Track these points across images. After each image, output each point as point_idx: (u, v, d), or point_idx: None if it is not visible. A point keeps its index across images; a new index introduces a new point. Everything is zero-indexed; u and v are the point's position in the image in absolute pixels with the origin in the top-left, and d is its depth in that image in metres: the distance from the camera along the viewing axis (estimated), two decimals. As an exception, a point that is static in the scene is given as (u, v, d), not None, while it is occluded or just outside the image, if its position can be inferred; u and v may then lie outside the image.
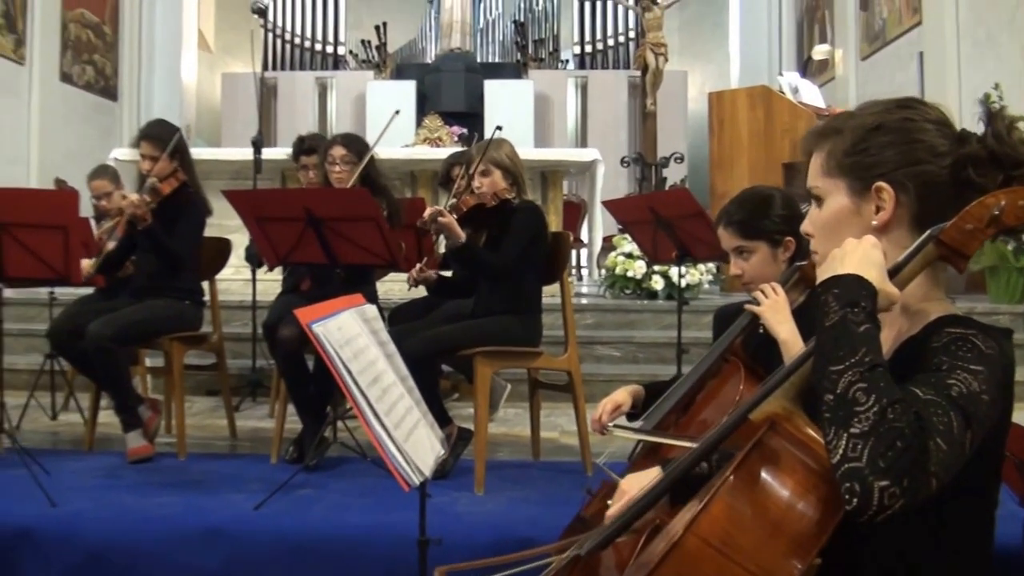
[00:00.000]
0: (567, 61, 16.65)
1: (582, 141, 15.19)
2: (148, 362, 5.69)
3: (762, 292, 2.47)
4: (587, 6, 16.01)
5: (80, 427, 5.12)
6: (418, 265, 4.32)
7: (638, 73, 11.75)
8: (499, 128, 4.35)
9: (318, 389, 4.35)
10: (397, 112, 5.00)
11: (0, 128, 11.02)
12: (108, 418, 4.75)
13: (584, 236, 10.03)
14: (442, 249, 4.57)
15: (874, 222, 1.63)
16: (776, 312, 2.41)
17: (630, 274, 7.52)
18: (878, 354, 1.38)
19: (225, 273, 5.36)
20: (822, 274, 1.52)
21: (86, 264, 4.45)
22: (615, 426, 2.65)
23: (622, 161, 11.33)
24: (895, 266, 1.53)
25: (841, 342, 1.39)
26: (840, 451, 1.31)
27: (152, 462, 4.40)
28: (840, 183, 1.67)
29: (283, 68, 16.37)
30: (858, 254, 1.49)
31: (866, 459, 1.28)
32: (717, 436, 1.64)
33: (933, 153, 1.61)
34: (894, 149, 1.62)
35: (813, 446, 1.45)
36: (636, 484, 1.86)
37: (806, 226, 1.76)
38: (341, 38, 16.69)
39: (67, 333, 4.47)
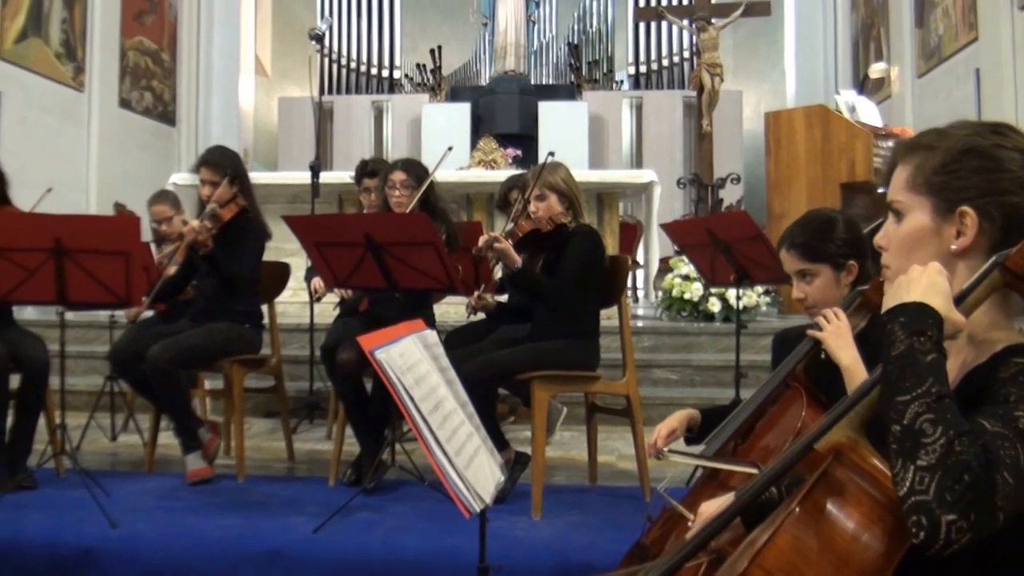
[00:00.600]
0: (622, 82, 16.64)
1: (637, 162, 15.17)
2: (208, 384, 5.75)
3: (824, 318, 2.44)
4: (641, 27, 15.99)
5: (140, 448, 5.17)
6: (476, 293, 4.34)
7: (693, 93, 11.72)
8: (551, 155, 4.34)
9: (376, 411, 4.36)
10: (450, 149, 5.02)
11: (60, 154, 11.21)
12: (168, 439, 4.79)
13: (640, 257, 9.99)
14: (499, 274, 4.58)
15: (953, 246, 1.59)
16: (838, 338, 2.38)
17: (687, 296, 7.46)
18: (945, 384, 1.36)
19: (283, 296, 5.40)
20: (887, 301, 1.50)
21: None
22: (671, 451, 2.63)
23: (678, 182, 11.29)
24: (961, 293, 1.50)
25: (908, 372, 1.37)
26: (907, 484, 1.29)
27: (211, 484, 4.44)
28: (925, 201, 1.63)
29: (339, 92, 16.53)
30: (924, 281, 1.47)
31: (933, 492, 1.26)
32: (782, 465, 1.62)
33: (1019, 185, 1.58)
34: (982, 176, 1.58)
35: (879, 477, 1.43)
36: (713, 508, 1.84)
37: (880, 239, 1.73)
38: (397, 62, 16.83)
39: (128, 356, 4.51)
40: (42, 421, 4.44)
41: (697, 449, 2.64)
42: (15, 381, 4.33)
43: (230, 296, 4.64)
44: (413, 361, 2.46)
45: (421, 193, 4.64)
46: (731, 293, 7.11)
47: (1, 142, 10.03)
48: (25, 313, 5.88)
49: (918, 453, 1.29)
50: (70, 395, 4.70)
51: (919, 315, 1.42)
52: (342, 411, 4.50)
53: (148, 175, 12.65)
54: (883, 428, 1.38)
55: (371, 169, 5.44)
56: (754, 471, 1.96)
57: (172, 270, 4.91)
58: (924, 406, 1.32)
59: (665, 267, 8.17)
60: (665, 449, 2.66)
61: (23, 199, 4.70)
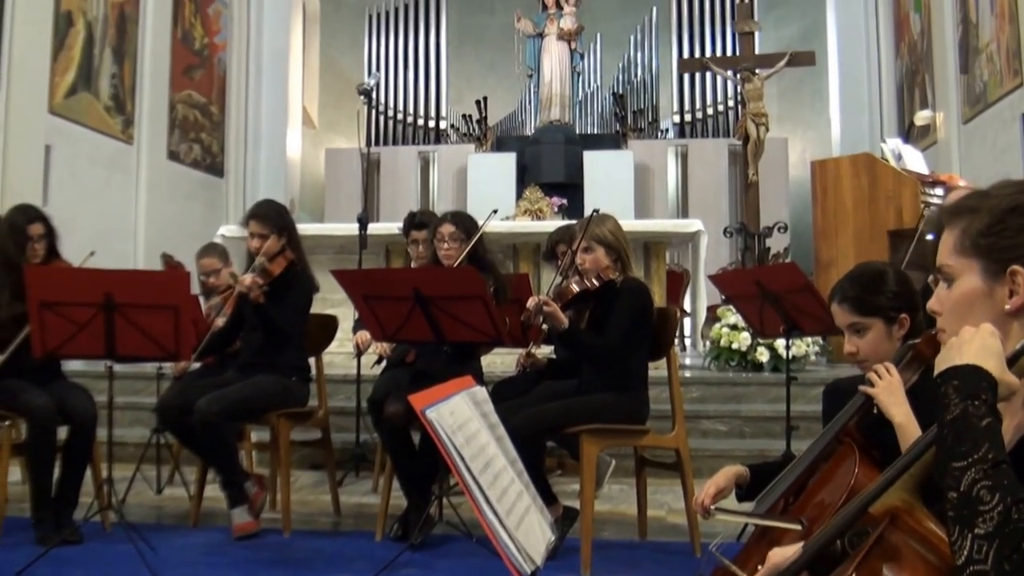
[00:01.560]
0: (667, 130, 16.66)
1: (683, 210, 15.14)
2: (254, 437, 5.75)
3: (876, 373, 2.41)
4: (686, 76, 16.04)
5: (185, 502, 5.18)
6: (526, 351, 4.32)
7: (738, 141, 11.69)
8: (596, 211, 4.32)
9: (424, 466, 4.34)
10: (495, 211, 5.03)
11: (109, 205, 11.37)
12: (213, 492, 4.78)
13: (687, 306, 9.94)
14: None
15: (1007, 306, 1.57)
16: (891, 394, 2.36)
17: (735, 346, 7.41)
18: (1001, 449, 1.34)
19: (330, 346, 5.40)
20: (940, 363, 1.48)
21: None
22: (718, 509, 2.59)
23: (725, 231, 11.24)
24: (1014, 354, 1.48)
25: (963, 437, 1.35)
26: (965, 553, 1.27)
27: (257, 539, 4.43)
28: (974, 263, 1.61)
29: (386, 143, 16.68)
30: (976, 343, 1.45)
31: (992, 562, 1.25)
32: (836, 529, 1.61)
33: None
34: None
35: (935, 541, 1.42)
36: (779, 557, 1.82)
37: (933, 304, 1.71)
38: (443, 112, 16.98)
39: (175, 408, 4.52)
40: (88, 474, 4.47)
41: (749, 506, 2.61)
42: (62, 433, 4.37)
43: (277, 349, 4.65)
44: (463, 419, 2.45)
45: (470, 247, 4.65)
46: (780, 343, 7.04)
47: (50, 194, 10.18)
48: (73, 364, 5.92)
49: (975, 521, 1.28)
50: (117, 447, 4.71)
51: (972, 378, 1.40)
52: (389, 464, 4.48)
53: (196, 226, 12.80)
54: (941, 495, 1.36)
55: (419, 221, 5.45)
56: (798, 527, 1.94)
57: (220, 322, 4.95)
58: (981, 472, 1.30)
59: (713, 316, 8.12)
60: (712, 507, 2.62)
61: (72, 250, 4.75)
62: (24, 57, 9.91)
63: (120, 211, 11.62)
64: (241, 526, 4.42)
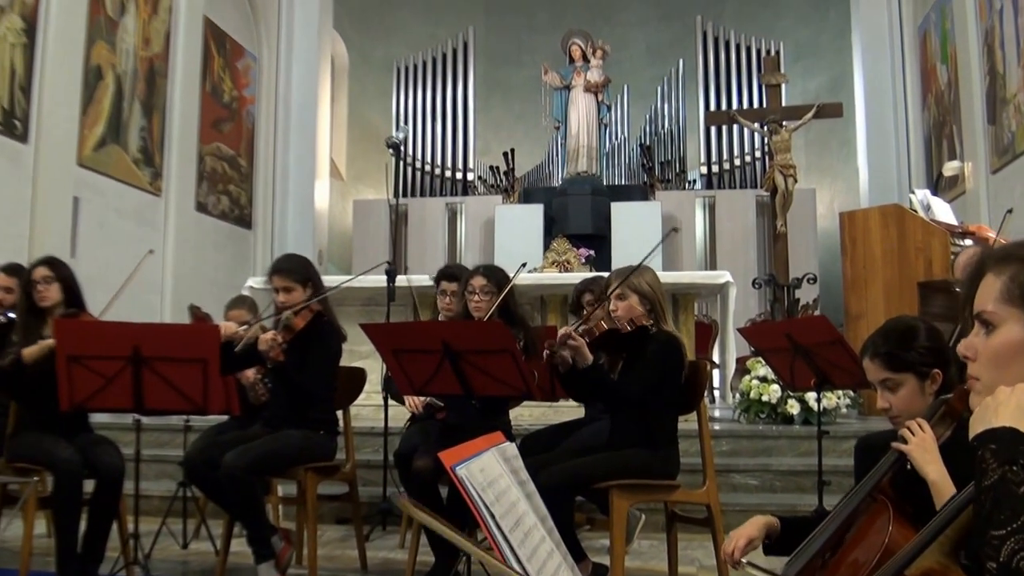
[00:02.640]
0: (694, 181, 16.68)
1: (711, 261, 15.13)
2: (281, 491, 5.72)
3: (909, 430, 2.39)
4: (713, 128, 16.09)
5: (211, 556, 5.13)
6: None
7: (766, 192, 11.67)
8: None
9: (452, 521, 4.30)
10: (524, 265, 5.01)
11: (136, 257, 11.37)
12: (240, 547, 4.72)
13: (716, 357, 9.88)
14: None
15: None
16: (924, 451, 2.33)
17: (765, 398, 7.34)
18: None
19: (357, 399, 5.38)
20: (976, 424, 1.45)
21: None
22: (750, 564, 2.55)
23: (754, 282, 11.19)
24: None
25: (1002, 504, 1.31)
26: None
27: (284, 594, 4.38)
28: (1020, 314, 1.57)
29: (414, 194, 16.77)
30: (1012, 404, 1.42)
31: None
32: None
33: None
34: None
35: (971, 607, 1.38)
36: None
37: (965, 348, 1.66)
38: (470, 164, 17.07)
39: (202, 463, 4.46)
40: (114, 528, 4.45)
41: (777, 560, 2.56)
42: (88, 486, 4.36)
43: (305, 402, 4.63)
44: (494, 476, 2.42)
45: (500, 300, 4.63)
46: (810, 395, 6.98)
47: (79, 247, 10.29)
48: (99, 416, 5.93)
49: None
50: (143, 500, 4.69)
51: (1011, 442, 1.37)
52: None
53: (223, 277, 12.90)
54: (980, 567, 1.32)
55: (451, 273, 5.45)
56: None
57: (250, 374, 4.94)
58: (1020, 543, 1.27)
59: (742, 368, 8.06)
60: (744, 560, 2.58)
61: (100, 303, 4.77)
62: (53, 110, 10.06)
63: (150, 262, 11.68)
64: (267, 583, 4.37)
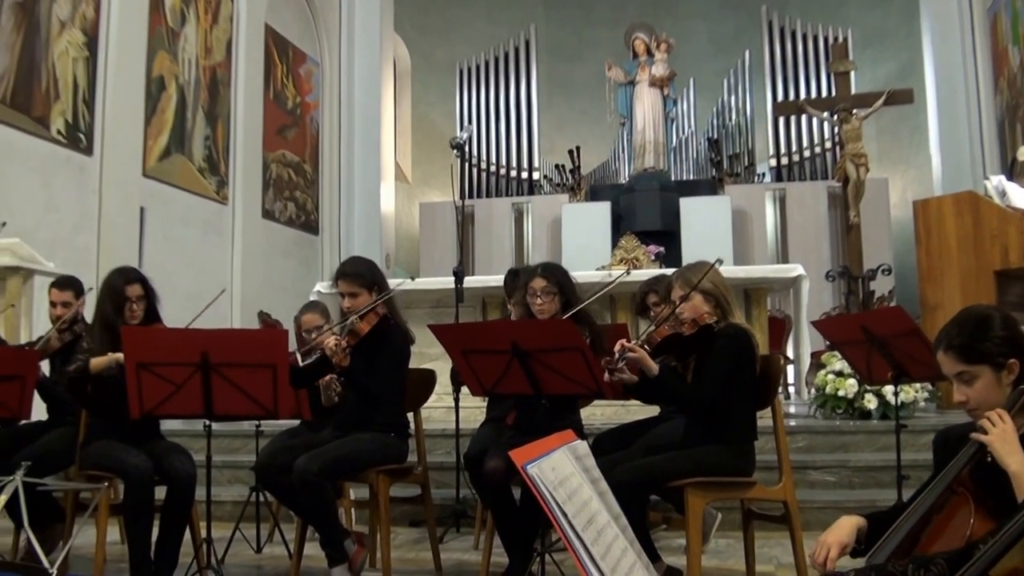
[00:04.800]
0: (763, 174, 16.50)
1: (783, 255, 14.94)
2: (353, 494, 5.71)
3: (989, 420, 2.31)
4: (781, 119, 15.88)
5: (285, 560, 5.13)
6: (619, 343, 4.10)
7: (837, 183, 11.50)
8: (720, 261, 4.20)
9: (525, 521, 4.25)
10: (720, 261, 4.85)
11: (204, 265, 11.59)
12: (313, 551, 4.70)
13: (790, 352, 9.72)
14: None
15: None
16: (1005, 443, 2.29)
17: (841, 393, 7.20)
18: None
19: (427, 401, 5.35)
20: None
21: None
22: (838, 574, 2.46)
23: (827, 275, 11.02)
24: None
25: None
26: None
27: (358, 597, 4.36)
28: None
29: (479, 195, 16.79)
30: None
31: None
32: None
33: None
34: None
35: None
36: None
37: None
38: (535, 163, 17.04)
39: (274, 468, 4.47)
40: (187, 534, 4.47)
41: (862, 561, 2.48)
42: (160, 493, 4.38)
43: (375, 406, 4.61)
44: (565, 475, 2.38)
45: (564, 298, 4.56)
46: (888, 389, 6.83)
47: (145, 256, 10.42)
48: (170, 423, 5.97)
49: None
50: (215, 506, 4.71)
51: None
52: (489, 520, 4.40)
53: (291, 283, 13.02)
54: None
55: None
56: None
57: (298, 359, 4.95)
58: None
59: (817, 363, 7.92)
60: (837, 569, 2.49)
61: (167, 312, 4.79)
62: (117, 122, 10.22)
63: (215, 270, 11.83)
64: (341, 585, 4.36)
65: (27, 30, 9.23)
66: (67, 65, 9.72)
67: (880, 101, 10.56)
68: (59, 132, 9.57)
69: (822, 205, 15.12)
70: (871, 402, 7.09)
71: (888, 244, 14.46)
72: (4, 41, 8.94)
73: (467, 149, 8.80)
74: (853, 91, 11.03)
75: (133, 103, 10.63)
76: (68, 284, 5.36)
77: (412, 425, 4.99)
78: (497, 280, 6.40)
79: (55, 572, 3.05)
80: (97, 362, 4.43)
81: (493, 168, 17.16)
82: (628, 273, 4.75)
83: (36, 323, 7.21)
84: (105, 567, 4.42)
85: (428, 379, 5.22)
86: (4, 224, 7.69)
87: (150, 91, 10.99)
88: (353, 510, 5.77)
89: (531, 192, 16.95)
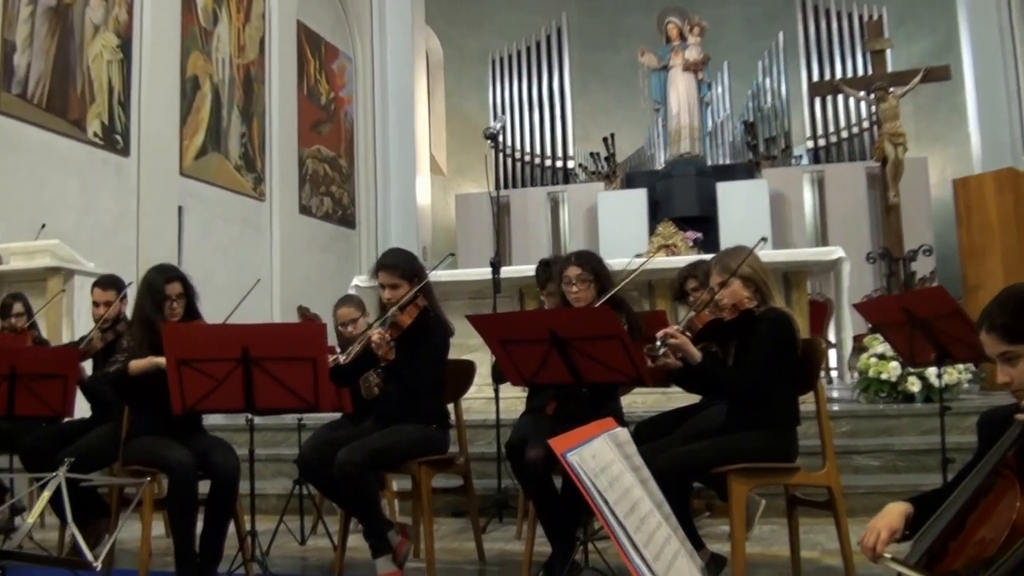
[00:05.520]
0: (800, 157, 16.37)
1: (822, 238, 14.82)
2: (395, 486, 5.73)
3: None
4: (818, 100, 15.73)
5: (329, 552, 5.16)
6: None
7: (876, 163, 11.38)
8: (764, 240, 4.16)
9: (568, 510, 4.24)
10: (764, 239, 4.82)
11: (242, 261, 11.66)
12: (357, 542, 4.74)
13: (832, 336, 9.63)
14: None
15: None
16: None
17: (884, 376, 7.12)
18: None
19: (468, 392, 5.35)
20: None
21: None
22: (893, 559, 2.43)
23: (868, 257, 10.91)
24: None
25: None
26: None
27: (402, 588, 4.37)
28: None
29: (515, 185, 16.77)
30: None
31: None
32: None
33: None
34: None
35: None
36: None
37: None
38: (570, 152, 16.99)
39: (316, 460, 4.49)
40: (232, 527, 4.50)
41: (906, 546, 2.45)
42: (204, 487, 4.41)
43: (416, 397, 4.61)
44: (606, 462, 2.37)
45: (600, 285, 4.54)
46: (931, 371, 6.74)
47: (184, 254, 10.51)
48: (213, 418, 6.01)
49: None
50: (259, 499, 4.74)
51: None
52: (532, 509, 4.39)
53: (330, 277, 13.07)
54: None
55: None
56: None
57: (341, 358, 4.93)
58: None
59: (859, 346, 7.84)
60: (886, 555, 2.45)
61: (207, 309, 4.81)
62: (153, 122, 10.32)
63: (254, 266, 11.90)
64: (386, 576, 4.37)
65: (61, 35, 9.33)
66: (102, 68, 9.81)
67: (917, 79, 10.44)
68: (96, 134, 9.66)
69: (861, 186, 14.97)
70: (914, 385, 7.02)
71: (928, 224, 14.29)
72: (39, 46, 9.04)
73: (501, 139, 8.80)
74: (889, 69, 10.91)
75: (168, 103, 10.72)
76: (110, 283, 5.44)
77: (453, 416, 5.00)
78: (534, 270, 6.38)
79: (99, 565, 3.06)
80: (136, 365, 4.45)
81: (528, 158, 17.13)
82: (648, 256, 4.69)
83: (77, 322, 7.30)
84: (150, 561, 4.47)
85: (468, 370, 5.23)
86: (44, 226, 7.79)
87: (185, 91, 11.07)
88: (396, 501, 5.78)
89: (566, 181, 16.91)
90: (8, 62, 8.73)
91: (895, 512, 2.55)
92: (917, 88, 10.69)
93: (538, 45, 17.39)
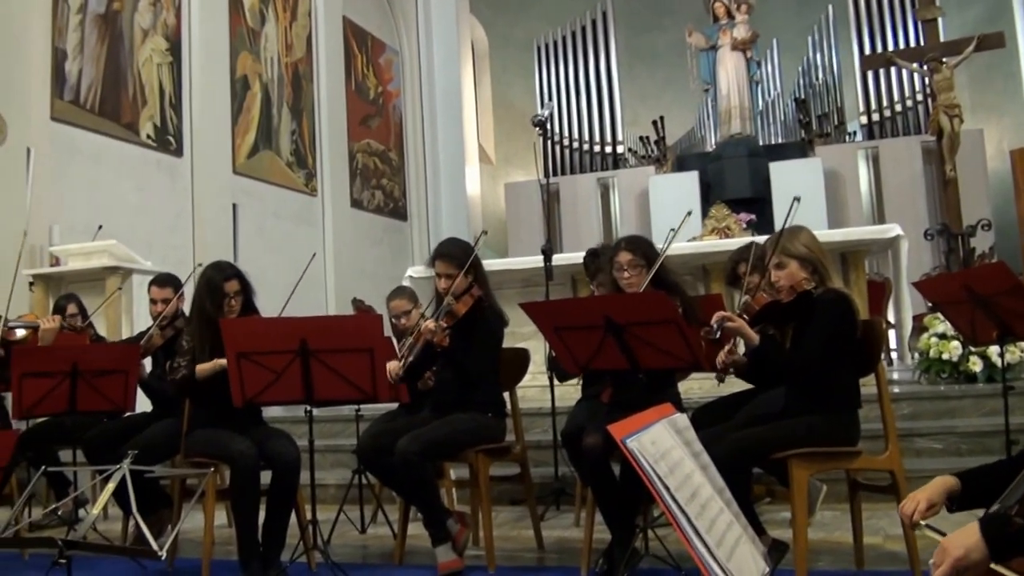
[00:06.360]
0: (854, 133, 16.15)
1: (878, 216, 14.63)
2: (453, 474, 5.74)
3: None
4: (870, 74, 15.49)
5: (389, 540, 5.20)
6: (722, 352, 4.06)
7: (931, 137, 11.20)
8: (797, 199, 4.12)
9: (626, 497, 4.21)
10: (689, 214, 4.81)
11: (296, 256, 11.70)
12: (416, 530, 4.76)
13: (891, 317, 9.49)
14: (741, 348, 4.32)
15: None
16: None
17: (945, 357, 6.98)
18: None
19: (522, 380, 5.34)
20: None
21: (393, 367, 4.54)
22: (928, 527, 2.38)
23: (926, 234, 10.74)
24: None
25: None
26: None
27: (462, 576, 4.39)
28: None
29: (564, 172, 16.74)
30: None
31: None
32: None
33: None
34: None
35: None
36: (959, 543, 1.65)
37: None
38: (619, 136, 16.91)
39: (375, 450, 4.55)
40: (293, 516, 4.53)
41: (967, 518, 2.39)
42: (265, 478, 4.45)
43: (472, 386, 4.63)
44: (666, 448, 2.35)
45: (652, 270, 4.50)
46: (993, 350, 6.61)
47: (239, 250, 10.63)
48: (271, 410, 6.07)
49: None
50: (319, 489, 4.79)
51: None
52: (590, 496, 4.37)
53: (383, 270, 13.16)
54: None
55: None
56: None
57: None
58: None
59: (919, 326, 7.70)
60: (923, 523, 2.41)
61: (262, 304, 4.85)
62: (205, 123, 10.46)
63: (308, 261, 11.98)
64: (446, 564, 4.38)
65: (111, 40, 9.47)
66: (152, 71, 9.93)
67: (971, 47, 10.26)
68: (149, 136, 9.80)
69: (916, 161, 14.74)
70: (976, 365, 6.88)
71: (987, 198, 14.03)
72: (89, 53, 9.18)
73: (549, 126, 8.76)
74: (942, 38, 10.73)
75: (219, 104, 10.84)
76: (167, 281, 5.56)
77: (508, 404, 5.00)
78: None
79: (164, 555, 3.11)
80: (202, 369, 4.50)
81: (576, 144, 17.08)
82: (674, 232, 4.62)
83: (136, 320, 7.40)
84: (213, 549, 4.53)
85: (522, 358, 5.21)
86: (100, 228, 7.90)
87: (235, 91, 11.18)
88: (454, 490, 5.79)
89: (616, 166, 16.83)
90: (60, 70, 8.87)
91: (939, 486, 2.50)
92: (971, 57, 10.51)
93: (583, 29, 17.31)
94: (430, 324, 4.41)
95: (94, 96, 9.20)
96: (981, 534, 1.78)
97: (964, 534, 1.76)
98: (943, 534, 2.28)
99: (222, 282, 4.64)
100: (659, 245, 4.68)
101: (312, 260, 5.63)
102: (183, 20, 10.43)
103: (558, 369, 5.44)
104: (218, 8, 10.97)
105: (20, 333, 5.78)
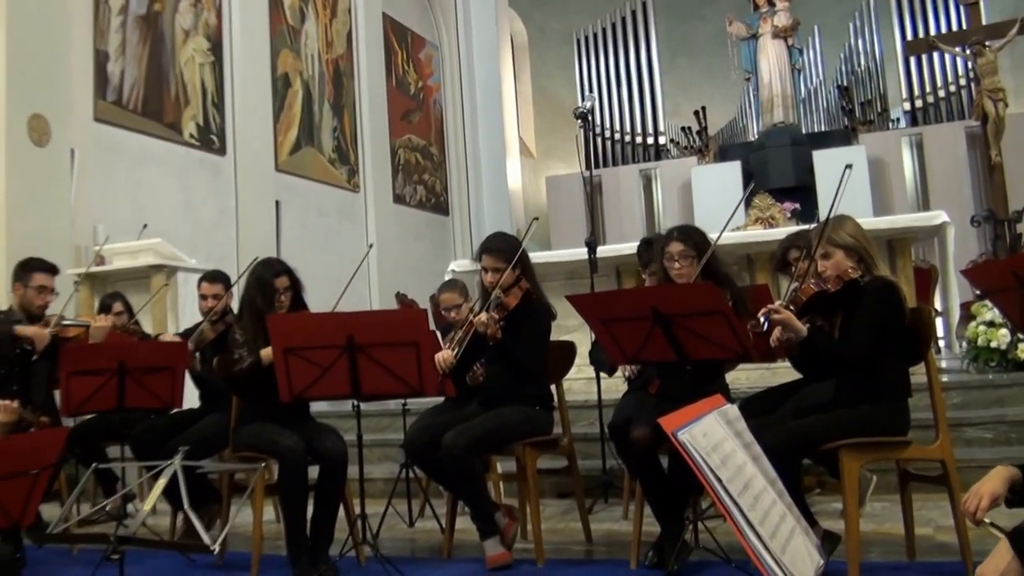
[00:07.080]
0: (898, 119, 15.98)
1: (924, 202, 14.49)
2: (500, 468, 5.74)
3: None
4: (913, 60, 15.32)
5: (437, 534, 5.22)
6: (775, 336, 4.02)
7: (976, 122, 11.07)
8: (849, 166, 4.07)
9: (675, 490, 4.19)
10: (744, 197, 4.77)
11: (340, 252, 11.82)
12: (465, 524, 4.78)
13: (939, 305, 9.38)
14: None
15: None
16: None
17: (994, 345, 6.88)
18: None
19: (569, 372, 5.33)
20: None
21: (445, 356, 4.55)
22: (992, 525, 2.35)
23: (972, 220, 10.61)
24: None
25: None
26: None
27: (511, 570, 4.38)
28: None
29: (606, 164, 16.70)
30: None
31: None
32: None
33: None
34: None
35: None
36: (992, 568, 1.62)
37: None
38: (661, 127, 16.85)
39: (422, 444, 4.57)
40: (342, 510, 4.56)
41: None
42: (313, 472, 4.47)
43: (519, 379, 4.63)
44: (717, 440, 2.34)
45: (704, 260, 4.47)
46: (1043, 338, 6.52)
47: (283, 247, 10.71)
48: (318, 405, 6.10)
49: None
50: (367, 483, 4.80)
51: None
52: (638, 489, 4.36)
53: (425, 264, 13.20)
54: None
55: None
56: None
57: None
58: None
59: (967, 314, 7.60)
60: (987, 520, 2.38)
61: (308, 299, 4.87)
62: (247, 121, 10.55)
63: (352, 257, 12.04)
64: (494, 557, 4.39)
65: (153, 41, 9.56)
66: (194, 71, 10.02)
67: (1014, 29, 10.12)
68: (192, 136, 9.89)
69: (961, 147, 14.56)
70: (1025, 352, 6.79)
71: (1034, 183, 13.85)
72: (132, 53, 9.29)
73: (590, 118, 8.71)
74: (984, 21, 10.59)
75: (261, 102, 10.92)
76: (217, 277, 5.68)
77: (555, 397, 4.99)
78: (631, 248, 6.31)
79: (217, 548, 3.14)
80: (267, 353, 4.51)
81: (618, 136, 17.03)
82: (727, 222, 4.60)
83: (182, 317, 7.48)
84: (262, 544, 4.55)
85: (568, 351, 5.20)
86: (145, 226, 7.98)
87: (276, 89, 11.26)
88: (501, 483, 5.80)
89: (658, 157, 16.77)
90: (102, 71, 8.98)
91: (999, 477, 2.47)
92: (1015, 40, 10.36)
93: (623, 20, 17.25)
94: (483, 316, 4.43)
95: (137, 96, 9.30)
96: (1013, 552, 1.74)
97: (997, 556, 1.72)
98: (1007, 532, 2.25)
99: (272, 278, 4.67)
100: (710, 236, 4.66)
101: (369, 252, 5.63)
102: (224, 19, 10.53)
103: (599, 362, 5.44)
104: (258, 7, 11.05)
105: (72, 332, 5.85)
